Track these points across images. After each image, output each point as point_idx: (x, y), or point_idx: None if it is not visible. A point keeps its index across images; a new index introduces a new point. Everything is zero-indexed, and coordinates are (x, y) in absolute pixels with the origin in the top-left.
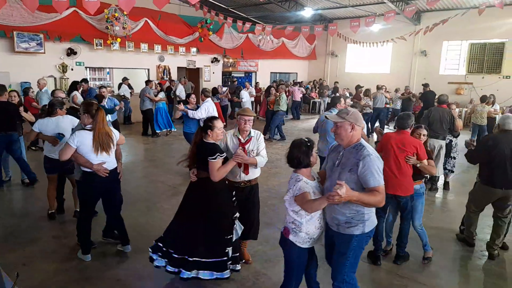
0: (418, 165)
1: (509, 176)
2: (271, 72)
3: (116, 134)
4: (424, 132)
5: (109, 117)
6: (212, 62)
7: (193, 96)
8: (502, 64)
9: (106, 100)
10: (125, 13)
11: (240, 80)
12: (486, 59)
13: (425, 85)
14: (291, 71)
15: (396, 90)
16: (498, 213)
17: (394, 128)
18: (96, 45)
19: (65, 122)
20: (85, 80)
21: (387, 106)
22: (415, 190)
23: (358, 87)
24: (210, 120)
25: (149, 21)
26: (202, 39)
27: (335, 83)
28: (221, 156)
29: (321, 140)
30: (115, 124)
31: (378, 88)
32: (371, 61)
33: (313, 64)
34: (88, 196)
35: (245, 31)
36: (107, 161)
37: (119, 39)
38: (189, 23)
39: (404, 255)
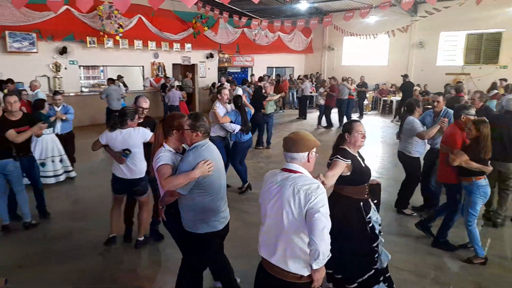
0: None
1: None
2: (267, 67)
3: None
4: (471, 127)
5: (53, 129)
6: (207, 58)
7: (225, 92)
8: (499, 54)
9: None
10: (118, 11)
11: (234, 75)
12: (483, 49)
13: (405, 76)
14: (288, 65)
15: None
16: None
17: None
18: (90, 43)
19: (135, 136)
20: (10, 81)
21: (353, 97)
22: (464, 186)
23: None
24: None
25: (143, 18)
26: (196, 34)
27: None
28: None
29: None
30: (68, 137)
31: (343, 79)
32: (368, 53)
33: (310, 58)
34: None
35: (241, 26)
36: None
37: (117, 37)
38: (184, 19)
39: (443, 242)
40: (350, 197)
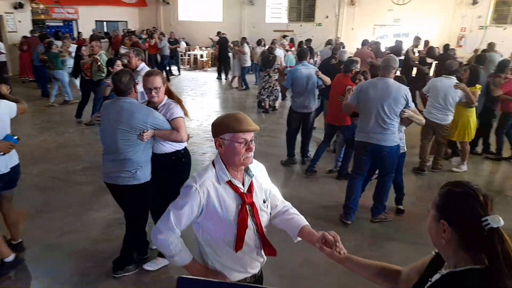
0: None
1: None
2: (96, 20)
3: None
4: (361, 77)
5: None
6: (15, 8)
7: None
8: (315, 13)
9: None
10: None
11: (53, 31)
12: (302, 8)
13: (218, 33)
14: (120, 19)
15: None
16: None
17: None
18: None
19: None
20: None
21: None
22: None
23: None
24: None
25: None
26: None
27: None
28: None
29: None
30: None
31: (163, 35)
32: (204, 9)
33: (145, 12)
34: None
35: None
36: None
37: None
38: None
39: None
40: None
